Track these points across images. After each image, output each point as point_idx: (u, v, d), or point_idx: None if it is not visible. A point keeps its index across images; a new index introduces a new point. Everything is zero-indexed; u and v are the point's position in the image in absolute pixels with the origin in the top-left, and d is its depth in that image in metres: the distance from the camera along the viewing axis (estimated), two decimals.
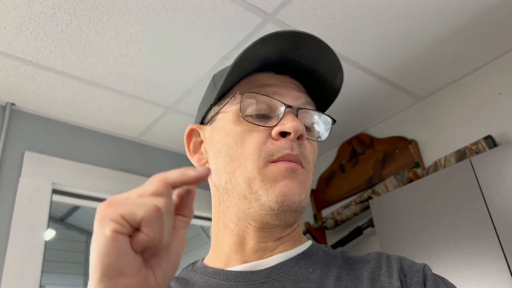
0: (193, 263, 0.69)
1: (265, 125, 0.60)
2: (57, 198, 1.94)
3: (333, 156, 2.50)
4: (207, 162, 0.67)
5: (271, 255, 0.61)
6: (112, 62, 1.68)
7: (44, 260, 1.77)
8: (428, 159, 2.07)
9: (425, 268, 0.61)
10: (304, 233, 2.29)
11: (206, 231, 4.35)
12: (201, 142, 0.68)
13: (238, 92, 0.61)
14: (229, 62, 1.68)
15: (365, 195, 2.11)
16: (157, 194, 0.40)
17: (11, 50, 1.58)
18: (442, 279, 0.61)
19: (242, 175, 0.59)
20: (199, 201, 2.30)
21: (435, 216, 1.64)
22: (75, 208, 5.40)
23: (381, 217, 1.85)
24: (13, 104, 1.87)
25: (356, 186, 2.31)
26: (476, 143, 1.77)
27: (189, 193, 0.45)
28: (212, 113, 0.66)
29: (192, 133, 0.70)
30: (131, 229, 0.38)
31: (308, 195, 0.61)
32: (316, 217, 2.45)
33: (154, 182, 0.42)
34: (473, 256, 1.49)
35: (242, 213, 0.60)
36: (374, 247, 2.11)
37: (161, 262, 0.41)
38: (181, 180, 0.43)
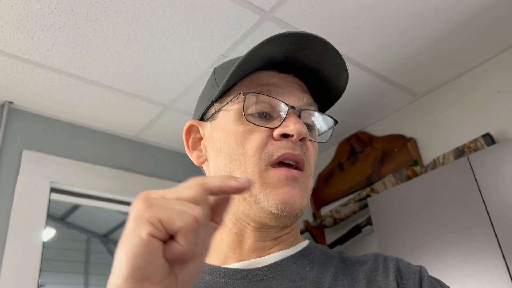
0: None
1: (267, 126, 0.60)
2: (55, 196, 1.94)
3: (332, 154, 2.50)
4: (206, 159, 0.66)
5: (269, 254, 0.62)
6: (109, 60, 1.68)
7: (42, 258, 1.77)
8: (427, 157, 2.07)
9: (421, 270, 0.61)
10: (303, 232, 2.29)
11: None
12: (201, 138, 0.68)
13: (241, 92, 0.61)
14: (227, 60, 1.68)
15: (364, 193, 2.11)
16: (195, 201, 0.38)
17: (9, 48, 1.57)
18: (438, 281, 0.62)
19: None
20: None
21: (433, 213, 1.64)
22: (75, 207, 5.40)
23: (379, 215, 1.84)
24: (11, 102, 1.87)
25: (355, 185, 2.31)
26: (475, 141, 1.77)
27: (225, 200, 0.43)
28: (213, 110, 0.65)
29: (191, 129, 0.69)
30: (167, 235, 0.37)
31: (309, 199, 0.61)
32: (315, 216, 2.45)
33: (193, 187, 0.39)
34: (471, 253, 1.49)
35: (241, 214, 0.60)
36: (372, 245, 2.11)
37: (186, 269, 0.39)
38: (221, 189, 0.40)
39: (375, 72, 1.94)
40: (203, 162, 0.67)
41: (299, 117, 0.60)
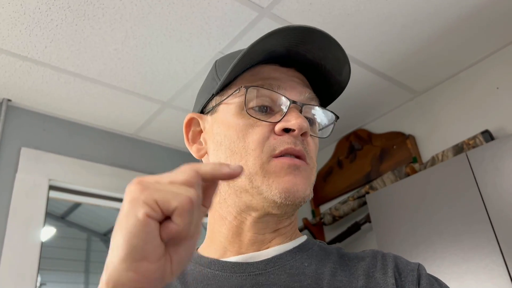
0: None
1: (269, 121, 0.59)
2: (54, 194, 1.94)
3: (331, 152, 2.49)
4: (206, 152, 0.66)
5: (268, 247, 0.62)
6: (107, 57, 1.68)
7: (41, 257, 1.77)
8: (426, 154, 2.07)
9: (419, 268, 0.61)
10: (302, 229, 2.29)
11: (204, 225, 4.36)
12: (201, 131, 0.68)
13: (242, 86, 0.61)
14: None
15: (363, 190, 2.11)
16: (189, 184, 0.40)
17: (6, 45, 1.57)
18: (436, 279, 0.62)
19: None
20: None
21: (431, 210, 1.64)
22: (75, 206, 5.41)
23: (378, 212, 1.84)
24: (9, 100, 1.87)
25: (354, 182, 2.31)
26: (474, 137, 1.77)
27: (213, 185, 0.44)
28: (213, 103, 0.65)
29: (191, 121, 0.69)
30: (163, 216, 0.38)
31: (312, 190, 0.61)
32: (314, 213, 2.45)
33: (186, 171, 0.41)
34: (469, 250, 1.48)
35: (243, 205, 0.60)
36: (371, 243, 2.10)
37: (179, 251, 0.41)
38: (214, 174, 0.42)
39: (374, 69, 1.93)
40: (203, 155, 0.67)
41: (301, 111, 0.60)
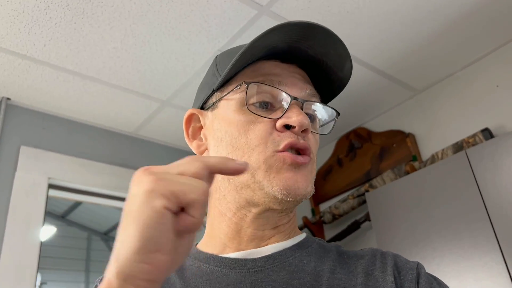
0: None
1: (270, 117, 0.59)
2: (53, 193, 1.94)
3: (331, 150, 2.49)
4: (206, 149, 0.66)
5: (267, 244, 0.61)
6: (106, 56, 1.68)
7: (40, 255, 1.77)
8: (426, 152, 2.06)
9: (418, 266, 0.61)
10: (302, 228, 2.29)
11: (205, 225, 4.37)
12: (201, 127, 0.67)
13: (243, 82, 0.60)
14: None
15: (363, 189, 2.11)
16: (199, 176, 0.40)
17: (5, 44, 1.57)
18: (435, 278, 0.62)
19: None
20: None
21: (431, 208, 1.64)
22: (76, 205, 5.41)
23: (377, 210, 1.84)
24: (8, 98, 1.87)
25: (354, 180, 2.31)
26: (474, 136, 1.77)
27: (210, 179, 0.44)
28: (214, 99, 0.65)
29: (191, 117, 0.68)
30: (178, 208, 0.39)
31: (313, 186, 0.61)
32: (314, 212, 2.44)
33: (194, 163, 0.41)
34: (469, 248, 1.48)
35: (244, 201, 0.60)
36: (371, 241, 2.10)
37: (184, 243, 0.41)
38: (220, 168, 0.42)
39: (373, 67, 1.93)
40: (203, 152, 0.67)
41: (302, 108, 0.60)
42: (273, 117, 0.59)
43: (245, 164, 0.43)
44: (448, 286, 0.62)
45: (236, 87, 0.61)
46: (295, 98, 0.60)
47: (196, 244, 0.68)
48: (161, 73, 1.80)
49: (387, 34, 1.74)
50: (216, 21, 1.57)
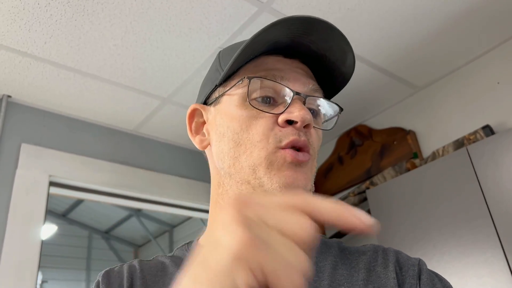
0: (187, 243, 0.69)
1: (272, 112, 0.59)
2: (54, 190, 1.94)
3: (332, 148, 2.49)
4: (209, 144, 0.66)
5: None
6: (107, 53, 1.68)
7: (41, 253, 1.77)
8: (427, 149, 2.06)
9: (420, 263, 0.61)
10: None
11: (206, 224, 4.37)
12: (204, 122, 0.67)
13: (245, 76, 0.60)
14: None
15: (363, 186, 2.11)
16: (304, 246, 0.31)
17: (6, 41, 1.57)
18: (436, 274, 0.62)
19: (247, 161, 0.58)
20: (198, 194, 2.30)
21: (431, 205, 1.64)
22: (77, 204, 5.42)
23: (378, 207, 1.84)
24: (9, 96, 1.87)
25: (355, 178, 2.31)
26: (474, 132, 1.76)
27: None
28: (216, 94, 0.65)
29: (194, 113, 0.68)
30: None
31: (313, 183, 0.61)
32: None
33: (302, 220, 0.31)
34: (470, 244, 1.48)
35: None
36: (371, 239, 2.10)
37: None
38: (334, 222, 0.32)
39: (374, 64, 1.93)
40: (205, 147, 0.67)
41: (304, 103, 0.59)
42: (275, 112, 0.59)
43: (371, 221, 0.33)
44: (449, 282, 0.62)
45: (238, 82, 0.61)
46: (297, 93, 0.59)
47: (197, 239, 0.68)
48: (162, 70, 1.80)
49: (387, 32, 1.74)
50: (217, 18, 1.57)
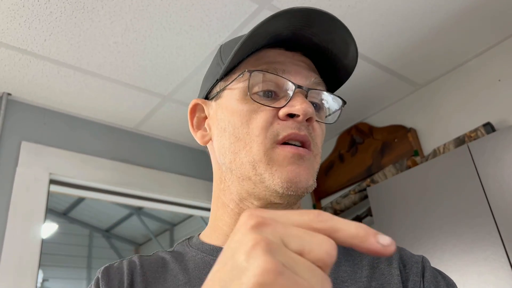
0: (188, 238, 0.69)
1: (273, 106, 0.58)
2: (55, 188, 1.94)
3: (332, 146, 2.49)
4: (210, 139, 0.65)
5: None
6: (107, 50, 1.67)
7: (42, 251, 1.77)
8: (427, 147, 2.06)
9: (423, 260, 0.61)
10: None
11: (207, 222, 4.37)
12: (205, 117, 0.67)
13: (246, 70, 0.59)
14: None
15: (364, 184, 2.10)
16: (325, 267, 0.29)
17: (5, 39, 1.57)
18: (440, 272, 0.62)
19: (247, 156, 0.57)
20: (199, 192, 2.30)
21: (432, 202, 1.63)
22: (77, 202, 5.42)
23: (379, 205, 1.84)
24: (9, 94, 1.87)
25: (355, 176, 2.30)
26: (476, 130, 1.76)
27: None
28: (218, 88, 0.64)
29: (196, 108, 0.68)
30: None
31: (315, 179, 0.60)
32: (315, 207, 2.44)
33: (323, 240, 0.29)
34: (471, 242, 1.48)
35: (245, 193, 0.59)
36: None
37: None
38: (354, 244, 0.30)
39: (375, 62, 1.92)
40: (207, 142, 0.66)
41: (306, 96, 0.59)
42: (277, 106, 0.58)
43: (392, 244, 0.31)
44: (453, 280, 0.62)
45: (239, 75, 0.60)
46: (299, 87, 0.58)
47: (199, 235, 0.68)
48: (162, 68, 1.80)
49: (388, 29, 1.73)
50: (217, 16, 1.56)
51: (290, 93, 0.58)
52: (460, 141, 1.79)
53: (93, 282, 0.61)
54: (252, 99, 0.58)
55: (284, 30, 0.59)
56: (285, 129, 0.57)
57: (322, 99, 0.63)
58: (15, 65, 1.70)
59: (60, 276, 6.52)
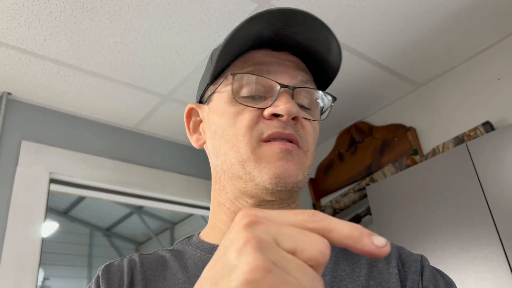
0: (188, 237, 0.69)
1: (257, 106, 0.59)
2: (55, 187, 1.94)
3: (332, 145, 2.49)
4: (205, 142, 0.66)
5: None
6: (107, 50, 1.67)
7: (42, 250, 1.77)
8: (427, 146, 2.06)
9: (422, 259, 0.61)
10: None
11: (207, 221, 4.37)
12: (200, 121, 0.68)
13: (230, 73, 0.60)
14: None
15: (364, 183, 2.11)
16: (318, 267, 0.29)
17: (5, 38, 1.57)
18: (439, 271, 0.62)
19: (236, 157, 0.58)
20: (199, 191, 2.30)
21: (432, 201, 1.64)
22: (78, 201, 5.43)
23: (378, 204, 1.84)
24: (9, 93, 1.87)
25: (355, 175, 2.31)
26: (475, 129, 1.76)
27: None
28: (209, 92, 0.65)
29: (191, 112, 0.69)
30: None
31: (307, 175, 0.60)
32: (315, 206, 2.45)
33: (316, 239, 0.29)
34: (469, 240, 1.48)
35: (239, 192, 0.60)
36: None
37: None
38: (347, 244, 0.30)
39: (374, 61, 1.92)
40: (201, 145, 0.67)
41: (292, 95, 0.59)
42: (262, 106, 0.59)
43: (386, 245, 0.30)
44: (451, 279, 0.62)
45: (224, 79, 0.61)
46: (284, 86, 0.59)
47: (198, 233, 0.68)
48: (162, 67, 1.80)
49: (388, 28, 1.73)
50: (216, 15, 1.56)
51: (276, 93, 0.59)
52: (459, 140, 1.80)
53: (93, 280, 0.61)
54: (237, 101, 0.59)
55: (265, 31, 0.60)
56: (270, 127, 0.58)
57: (311, 97, 0.64)
58: (15, 64, 1.70)
59: (60, 274, 6.53)
